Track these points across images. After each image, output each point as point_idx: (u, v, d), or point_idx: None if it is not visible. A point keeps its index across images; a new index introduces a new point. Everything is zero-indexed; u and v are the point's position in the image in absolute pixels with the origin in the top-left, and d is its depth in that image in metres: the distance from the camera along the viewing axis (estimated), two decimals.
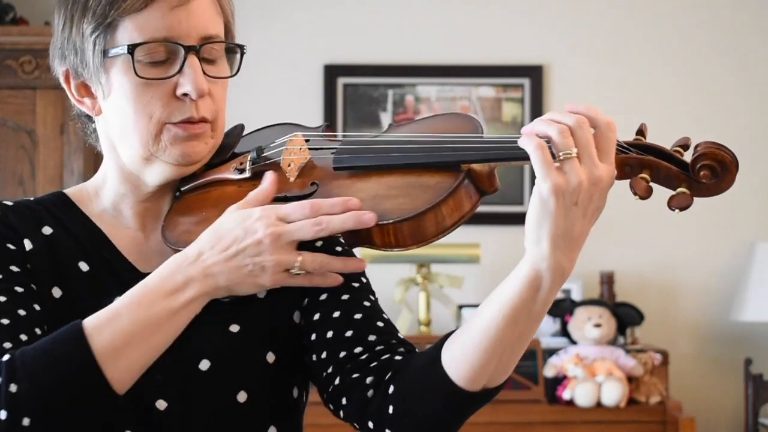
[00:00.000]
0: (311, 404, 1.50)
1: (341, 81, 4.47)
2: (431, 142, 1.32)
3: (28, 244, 1.37)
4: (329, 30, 4.47)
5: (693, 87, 4.46)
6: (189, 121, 1.38)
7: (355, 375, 1.35)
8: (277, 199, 1.36)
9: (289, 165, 1.39)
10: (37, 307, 1.33)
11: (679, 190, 1.22)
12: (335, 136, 1.46)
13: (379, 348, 1.37)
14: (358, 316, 1.40)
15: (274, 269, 1.30)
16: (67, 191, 1.48)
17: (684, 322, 4.44)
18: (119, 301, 1.28)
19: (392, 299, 4.13)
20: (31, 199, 1.46)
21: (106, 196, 1.45)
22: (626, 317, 4.05)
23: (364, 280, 1.45)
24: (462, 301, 4.28)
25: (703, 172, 1.21)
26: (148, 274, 1.33)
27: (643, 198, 1.21)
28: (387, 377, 1.32)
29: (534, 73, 4.46)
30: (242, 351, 1.38)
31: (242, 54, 1.45)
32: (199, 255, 1.29)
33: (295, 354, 1.42)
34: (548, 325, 4.19)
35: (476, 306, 4.32)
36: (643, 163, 1.23)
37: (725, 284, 4.40)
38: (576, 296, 4.20)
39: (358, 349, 1.37)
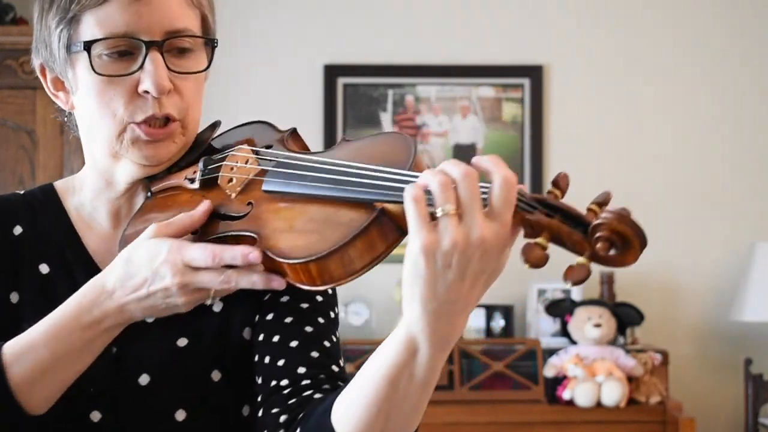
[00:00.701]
0: None
1: (341, 81, 4.47)
2: (355, 174, 1.19)
3: None
4: (329, 30, 4.47)
5: (693, 87, 4.46)
6: (152, 118, 1.33)
7: (274, 410, 1.29)
8: (217, 216, 1.31)
9: (229, 181, 1.33)
10: None
11: (579, 261, 1.07)
12: (303, 145, 1.39)
13: (304, 383, 1.30)
14: (293, 344, 1.33)
15: (188, 305, 1.26)
16: (57, 183, 1.47)
17: (684, 322, 4.44)
18: (37, 329, 1.26)
19: (392, 299, 4.14)
20: (21, 192, 1.44)
21: (86, 190, 1.44)
22: (626, 317, 4.05)
23: (320, 299, 1.39)
24: None
25: (600, 244, 1.05)
26: None
27: (532, 266, 1.07)
28: (299, 418, 1.25)
29: (534, 73, 4.46)
30: (186, 368, 1.36)
31: (213, 48, 1.39)
32: (114, 290, 1.25)
33: (245, 371, 1.38)
34: (548, 325, 4.19)
35: (476, 306, 4.31)
36: (542, 225, 1.08)
37: (725, 284, 4.40)
38: (576, 296, 4.20)
39: (284, 382, 1.31)
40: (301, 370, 1.31)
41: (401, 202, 1.08)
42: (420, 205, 1.04)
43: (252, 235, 1.24)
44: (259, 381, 1.34)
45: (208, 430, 1.37)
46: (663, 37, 4.48)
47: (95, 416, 1.34)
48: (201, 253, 1.23)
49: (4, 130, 4.06)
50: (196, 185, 1.36)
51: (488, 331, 4.26)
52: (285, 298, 1.37)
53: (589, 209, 1.08)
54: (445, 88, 4.49)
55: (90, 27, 1.32)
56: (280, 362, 1.32)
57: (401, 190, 1.08)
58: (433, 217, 1.05)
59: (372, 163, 1.19)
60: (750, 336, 4.42)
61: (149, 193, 1.40)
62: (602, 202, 1.08)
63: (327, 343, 1.35)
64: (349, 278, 1.16)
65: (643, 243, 1.05)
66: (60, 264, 1.38)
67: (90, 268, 1.38)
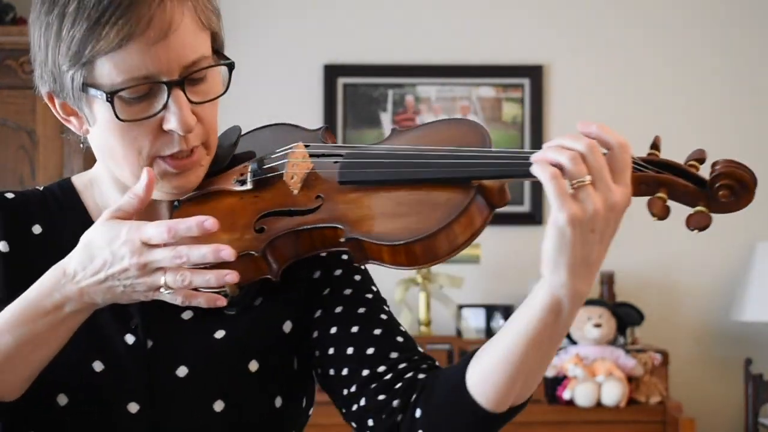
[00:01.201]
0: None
1: (341, 81, 4.47)
2: (439, 156, 1.28)
3: (3, 246, 1.36)
4: (329, 30, 4.47)
5: (693, 87, 4.46)
6: (179, 155, 1.31)
7: (380, 397, 1.34)
8: (281, 213, 1.32)
9: (292, 177, 1.34)
10: None
11: (698, 208, 1.19)
12: (336, 141, 1.41)
13: (402, 366, 1.36)
14: (377, 331, 1.38)
15: (145, 290, 1.25)
16: (75, 180, 1.44)
17: (684, 322, 4.44)
18: (1, 317, 1.26)
19: (392, 299, 4.14)
20: (41, 189, 1.43)
21: (107, 192, 1.42)
22: (626, 317, 4.05)
23: (375, 289, 1.44)
24: (462, 301, 4.28)
25: (722, 192, 1.18)
26: None
27: (660, 219, 1.18)
28: (413, 399, 1.32)
29: (534, 73, 4.46)
30: (224, 359, 1.36)
31: (231, 70, 1.35)
32: (75, 274, 1.24)
33: (280, 364, 1.40)
34: None
35: (476, 306, 4.33)
36: (659, 181, 1.19)
37: (725, 284, 4.40)
38: None
39: (381, 368, 1.35)
40: (394, 355, 1.36)
41: (497, 178, 1.23)
42: (560, 181, 1.13)
43: (335, 225, 1.27)
44: (345, 372, 1.36)
45: (245, 421, 1.37)
46: (663, 36, 4.48)
47: (132, 408, 1.33)
48: (156, 228, 1.21)
49: (4, 130, 4.06)
50: (248, 186, 1.35)
51: (488, 331, 4.26)
52: (348, 291, 1.42)
53: (690, 165, 1.21)
54: (445, 88, 4.49)
55: (106, 71, 1.26)
56: (369, 350, 1.36)
57: (527, 159, 1.17)
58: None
59: (447, 146, 1.28)
60: (750, 336, 4.42)
61: (176, 203, 1.38)
62: (699, 158, 1.21)
63: (402, 329, 1.41)
64: (452, 255, 1.25)
65: (756, 185, 1.20)
66: None
67: None
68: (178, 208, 1.38)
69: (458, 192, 1.25)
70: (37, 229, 1.39)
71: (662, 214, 1.17)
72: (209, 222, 1.21)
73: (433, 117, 4.49)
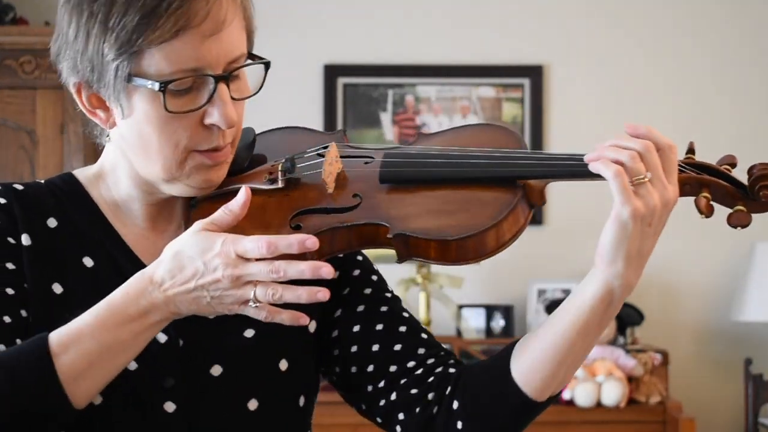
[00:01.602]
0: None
1: (341, 81, 4.47)
2: (484, 156, 1.33)
3: (26, 240, 1.34)
4: (329, 30, 4.47)
5: (693, 87, 4.46)
6: (216, 150, 1.32)
7: (413, 391, 1.38)
8: (317, 211, 1.33)
9: (328, 176, 1.36)
10: (23, 312, 1.31)
11: (737, 207, 1.28)
12: (361, 145, 1.43)
13: (431, 361, 1.40)
14: (402, 328, 1.43)
15: (232, 302, 1.25)
16: (77, 174, 1.43)
17: (684, 322, 4.44)
18: (84, 320, 1.24)
19: None
20: (42, 182, 1.41)
21: (116, 188, 1.40)
22: (626, 317, 4.05)
23: (391, 289, 1.48)
24: (462, 301, 4.28)
25: (764, 192, 1.27)
26: None
27: (707, 216, 1.26)
28: (447, 392, 1.36)
29: (534, 73, 4.46)
30: (255, 358, 1.37)
31: (267, 69, 1.36)
32: (162, 282, 1.24)
33: (305, 363, 1.42)
34: None
35: (476, 306, 4.33)
36: (702, 182, 1.28)
37: (725, 284, 4.40)
38: None
39: (410, 363, 1.40)
40: (421, 351, 1.41)
41: (547, 178, 1.30)
42: (624, 177, 1.20)
43: (379, 223, 1.30)
44: (370, 369, 1.40)
45: (277, 419, 1.39)
46: (663, 37, 4.48)
47: (169, 407, 1.33)
48: (254, 243, 1.22)
49: (4, 130, 4.06)
50: (278, 185, 1.36)
51: (488, 331, 4.26)
52: (368, 290, 1.45)
53: (725, 168, 1.30)
54: (445, 88, 4.49)
55: (155, 61, 1.26)
56: (397, 347, 1.41)
57: (579, 161, 1.26)
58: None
59: (486, 147, 1.34)
60: (750, 336, 4.42)
61: (193, 202, 1.38)
62: (731, 163, 1.31)
63: (423, 326, 1.45)
64: (497, 252, 1.30)
65: None
66: (104, 258, 1.36)
67: (135, 264, 1.36)
68: (195, 207, 1.38)
69: (505, 191, 1.30)
70: (52, 222, 1.37)
71: (708, 211, 1.26)
72: (310, 241, 1.22)
73: (433, 117, 4.49)
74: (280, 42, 4.44)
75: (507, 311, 4.27)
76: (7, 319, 1.28)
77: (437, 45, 4.47)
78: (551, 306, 4.09)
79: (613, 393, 3.81)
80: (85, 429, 1.31)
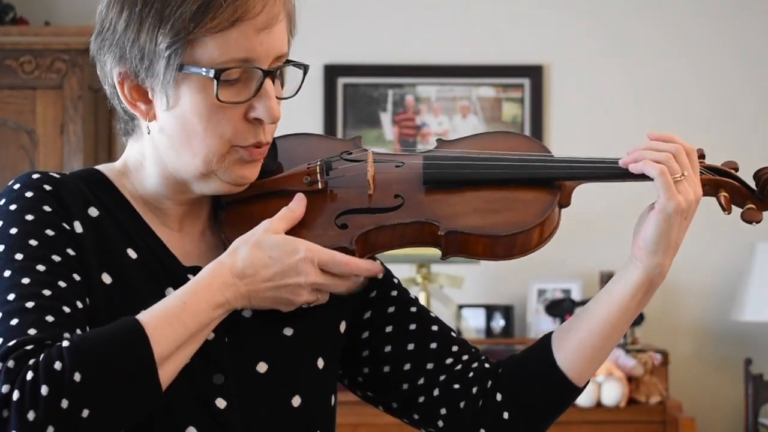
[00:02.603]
0: None
1: (341, 81, 4.47)
2: (522, 159, 1.42)
3: (78, 227, 1.33)
4: (329, 30, 4.47)
5: (693, 87, 4.46)
6: (257, 146, 1.35)
7: (456, 386, 1.45)
8: (360, 211, 1.39)
9: (370, 178, 1.42)
10: (87, 300, 1.30)
11: (749, 206, 1.42)
12: (389, 152, 1.50)
13: (466, 358, 1.47)
14: (434, 328, 1.48)
15: (301, 302, 1.34)
16: (101, 169, 1.43)
17: (684, 322, 4.44)
18: (171, 304, 1.27)
19: None
20: (68, 174, 1.39)
21: (143, 186, 1.40)
22: None
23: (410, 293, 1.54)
24: (462, 301, 4.28)
25: None
26: (190, 268, 1.36)
27: (728, 212, 1.42)
28: (489, 385, 1.44)
29: (534, 73, 4.46)
30: (297, 355, 1.40)
31: (305, 73, 1.41)
32: (245, 275, 1.30)
33: (336, 362, 1.46)
34: (548, 325, 4.19)
35: (476, 306, 4.33)
36: (718, 183, 1.43)
37: (725, 284, 4.40)
38: (576, 296, 4.20)
39: (448, 360, 1.46)
40: (455, 348, 1.48)
41: (585, 179, 1.41)
42: (668, 176, 1.34)
43: (427, 221, 1.37)
44: (407, 367, 1.46)
45: (317, 416, 1.41)
46: (663, 37, 4.48)
47: (221, 403, 1.34)
48: (334, 259, 1.33)
49: (4, 130, 4.06)
50: (318, 186, 1.41)
51: (488, 331, 4.26)
52: (394, 293, 1.50)
53: (731, 170, 1.44)
54: (445, 88, 4.49)
55: (208, 50, 1.30)
56: (433, 345, 1.47)
57: (615, 163, 1.39)
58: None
59: (510, 152, 1.44)
60: (750, 336, 4.42)
61: (224, 204, 1.41)
62: (734, 167, 1.45)
63: (449, 326, 1.52)
64: (539, 247, 1.39)
65: None
66: (145, 251, 1.37)
67: (173, 260, 1.38)
68: (226, 208, 1.41)
69: (545, 192, 1.40)
70: (93, 211, 1.36)
71: (729, 208, 1.41)
72: (378, 268, 1.38)
73: (433, 117, 4.49)
74: None
75: (507, 311, 4.27)
76: (79, 304, 1.28)
77: (437, 45, 4.47)
78: (551, 306, 4.09)
79: (613, 393, 3.81)
80: (146, 425, 1.30)
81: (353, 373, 1.49)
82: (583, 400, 3.81)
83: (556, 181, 1.41)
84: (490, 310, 4.28)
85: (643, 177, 1.36)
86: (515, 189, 1.41)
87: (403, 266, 4.13)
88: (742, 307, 4.18)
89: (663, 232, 1.37)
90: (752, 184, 1.43)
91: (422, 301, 4.14)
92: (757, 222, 1.42)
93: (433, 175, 1.41)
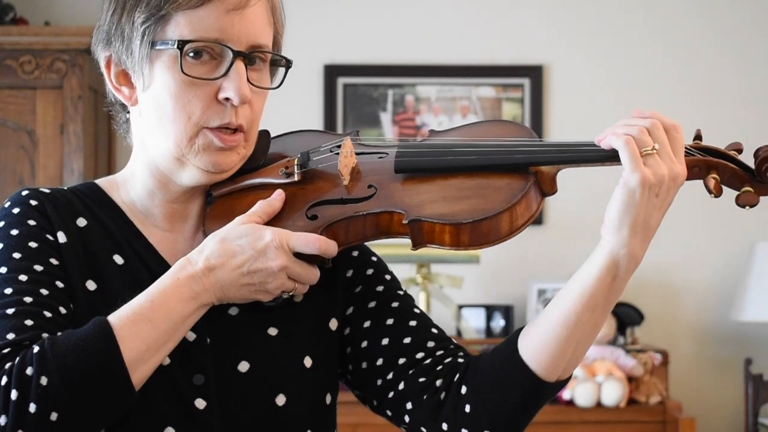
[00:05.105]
0: None
1: (341, 81, 4.47)
2: (496, 145, 1.37)
3: (61, 237, 1.37)
4: (329, 30, 4.47)
5: (693, 86, 4.46)
6: (227, 127, 1.37)
7: (421, 379, 1.40)
8: (333, 202, 1.38)
9: (343, 169, 1.41)
10: (71, 306, 1.34)
11: (745, 189, 1.33)
12: (375, 143, 1.48)
13: (440, 353, 1.43)
14: (412, 323, 1.46)
15: (274, 292, 1.35)
16: (99, 182, 1.48)
17: (684, 322, 4.44)
18: (138, 303, 1.29)
19: None
20: (65, 188, 1.45)
21: (135, 191, 1.45)
22: (626, 317, 4.05)
23: (404, 288, 1.52)
24: (462, 301, 4.28)
25: None
26: None
27: (716, 196, 1.32)
28: (456, 379, 1.39)
29: (534, 73, 4.46)
30: (281, 354, 1.40)
31: (287, 68, 1.46)
32: (213, 267, 1.31)
33: (328, 360, 1.45)
34: None
35: (476, 306, 4.33)
36: (709, 164, 1.33)
37: (725, 284, 4.40)
38: None
39: (419, 355, 1.42)
40: (431, 344, 1.44)
41: (558, 163, 1.34)
42: (633, 146, 1.26)
43: (394, 210, 1.35)
44: (379, 363, 1.43)
45: (305, 415, 1.41)
46: (663, 37, 4.48)
47: (200, 404, 1.35)
48: (304, 241, 1.33)
49: (4, 130, 4.06)
50: (295, 178, 1.41)
51: (488, 331, 4.26)
52: (380, 288, 1.48)
53: (731, 152, 1.35)
54: (445, 88, 4.49)
55: (179, 27, 1.34)
56: (406, 340, 1.43)
57: (589, 145, 1.32)
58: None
59: (495, 139, 1.39)
60: (750, 336, 4.42)
61: (210, 197, 1.43)
62: (738, 149, 1.35)
63: (435, 323, 1.49)
64: (511, 236, 1.34)
65: None
66: (132, 255, 1.40)
67: (161, 262, 1.41)
68: (213, 202, 1.43)
69: (517, 177, 1.35)
70: (81, 221, 1.40)
71: (717, 191, 1.32)
72: (331, 246, 1.35)
73: (433, 117, 4.49)
74: None
75: (507, 311, 4.27)
76: (62, 310, 1.31)
77: (437, 45, 4.47)
78: None
79: (613, 393, 3.81)
80: (124, 425, 1.32)
81: (343, 371, 1.49)
82: (583, 400, 3.81)
83: (531, 166, 1.35)
84: (490, 310, 4.28)
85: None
86: (488, 176, 1.36)
87: (403, 266, 4.13)
88: (742, 307, 4.18)
89: (626, 207, 1.27)
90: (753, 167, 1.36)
91: (422, 301, 4.14)
92: (752, 206, 1.33)
93: (404, 163, 1.39)
